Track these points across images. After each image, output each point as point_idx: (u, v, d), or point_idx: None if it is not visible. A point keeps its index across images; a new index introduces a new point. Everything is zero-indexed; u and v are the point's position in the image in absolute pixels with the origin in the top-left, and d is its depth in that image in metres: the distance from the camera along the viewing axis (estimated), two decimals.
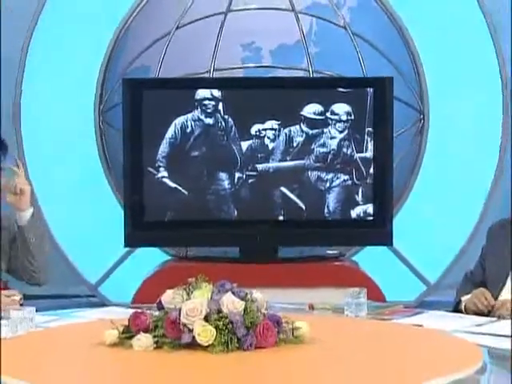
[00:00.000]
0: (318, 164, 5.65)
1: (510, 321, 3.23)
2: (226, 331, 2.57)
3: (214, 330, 2.55)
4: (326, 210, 5.67)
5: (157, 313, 2.68)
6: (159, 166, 5.61)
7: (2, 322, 2.85)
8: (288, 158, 5.65)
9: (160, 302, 2.70)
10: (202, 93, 5.61)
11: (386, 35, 6.12)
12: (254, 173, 5.65)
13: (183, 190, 5.64)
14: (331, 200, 5.67)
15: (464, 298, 3.57)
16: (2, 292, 3.36)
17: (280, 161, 5.65)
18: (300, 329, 2.69)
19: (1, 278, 3.59)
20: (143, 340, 2.60)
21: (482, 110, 5.97)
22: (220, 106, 5.61)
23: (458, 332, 3.00)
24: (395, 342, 2.87)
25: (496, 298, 3.48)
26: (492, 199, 5.95)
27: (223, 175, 5.65)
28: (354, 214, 5.67)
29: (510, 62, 6.04)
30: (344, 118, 5.62)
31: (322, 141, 5.64)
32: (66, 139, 5.98)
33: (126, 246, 5.72)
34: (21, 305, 3.38)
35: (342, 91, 5.66)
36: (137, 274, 5.77)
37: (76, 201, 6.01)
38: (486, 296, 3.46)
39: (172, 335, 2.60)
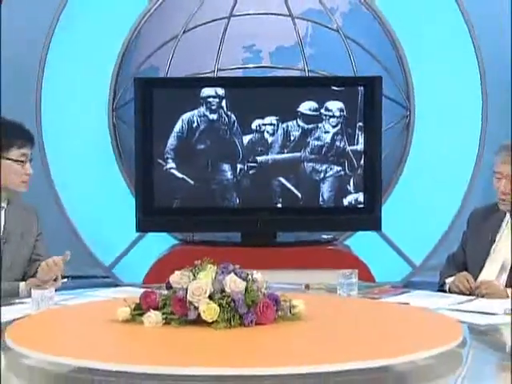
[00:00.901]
0: (313, 156, 5.65)
1: (488, 299, 3.25)
2: (229, 309, 2.57)
3: (217, 308, 2.56)
4: (320, 199, 5.67)
5: (165, 292, 2.69)
6: (168, 158, 5.61)
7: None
8: (285, 151, 5.64)
9: (168, 282, 2.70)
10: (206, 91, 5.60)
11: (375, 38, 6.10)
12: (255, 164, 5.64)
13: (190, 180, 5.63)
14: (325, 189, 5.66)
15: (448, 280, 3.56)
16: (54, 257, 3.30)
17: (278, 153, 5.64)
18: (297, 307, 2.70)
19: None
20: (153, 317, 2.60)
21: (463, 105, 5.97)
22: (223, 103, 5.60)
23: (441, 309, 3.00)
24: (383, 318, 2.87)
25: (475, 279, 3.48)
26: (472, 188, 5.95)
27: (226, 166, 5.64)
28: (346, 201, 5.66)
29: (510, 64, 6.06)
30: (337, 114, 5.61)
31: (316, 135, 5.63)
32: (83, 134, 5.97)
33: (137, 231, 5.71)
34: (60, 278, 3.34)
35: (335, 89, 5.64)
36: (147, 257, 5.77)
37: (92, 190, 6.01)
38: (468, 279, 3.46)
39: (179, 312, 2.60)
